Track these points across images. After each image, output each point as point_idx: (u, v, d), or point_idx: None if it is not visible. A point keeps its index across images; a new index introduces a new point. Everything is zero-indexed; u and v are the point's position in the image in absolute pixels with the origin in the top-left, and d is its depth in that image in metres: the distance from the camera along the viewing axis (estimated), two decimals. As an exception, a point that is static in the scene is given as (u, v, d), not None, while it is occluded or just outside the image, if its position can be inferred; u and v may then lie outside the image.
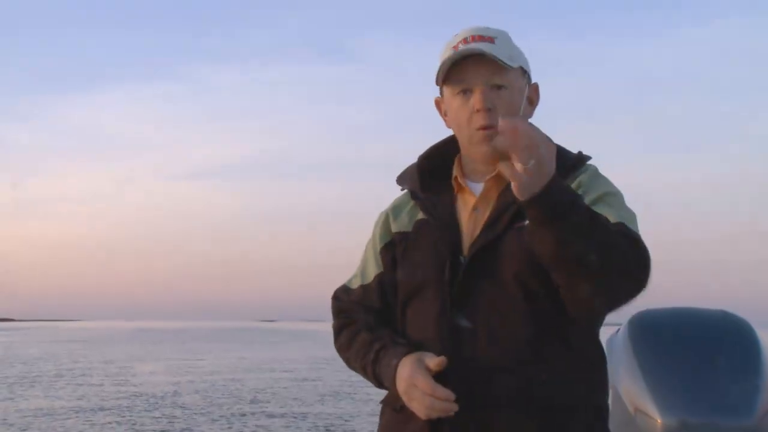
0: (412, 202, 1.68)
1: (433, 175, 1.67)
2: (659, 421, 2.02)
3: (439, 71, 1.57)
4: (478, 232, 1.56)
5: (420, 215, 1.65)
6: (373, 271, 1.70)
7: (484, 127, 1.53)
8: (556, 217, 1.29)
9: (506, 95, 1.54)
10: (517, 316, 1.50)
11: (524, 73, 1.60)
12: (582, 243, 1.31)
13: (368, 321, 1.67)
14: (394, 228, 1.68)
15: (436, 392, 1.43)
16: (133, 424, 12.31)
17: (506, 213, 1.53)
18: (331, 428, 11.63)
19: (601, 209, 1.44)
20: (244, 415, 13.12)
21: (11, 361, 26.71)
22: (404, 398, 1.49)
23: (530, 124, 1.30)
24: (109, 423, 12.46)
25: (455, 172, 1.64)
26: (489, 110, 1.52)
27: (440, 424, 1.48)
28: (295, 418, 12.64)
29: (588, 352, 1.56)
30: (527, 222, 1.41)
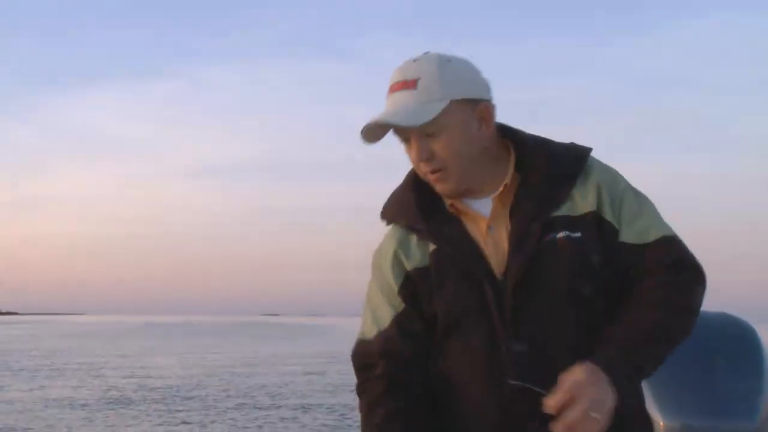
0: (415, 237, 1.56)
1: (424, 202, 1.57)
2: (662, 424, 2.01)
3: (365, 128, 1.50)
4: (503, 251, 1.48)
5: (432, 248, 1.53)
6: (387, 315, 1.56)
7: (432, 172, 1.50)
8: (636, 383, 1.45)
9: (442, 139, 1.48)
10: (569, 329, 1.45)
11: (466, 101, 1.49)
12: (660, 362, 1.45)
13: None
14: (409, 266, 1.55)
15: None
16: (161, 416, 12.54)
17: (532, 228, 1.47)
18: (346, 418, 11.71)
19: (631, 225, 1.47)
20: (264, 407, 13.41)
21: (28, 354, 26.89)
22: None
23: (574, 391, 1.30)
24: (138, 415, 12.69)
25: (447, 201, 1.55)
26: (428, 160, 1.49)
27: None
28: (309, 409, 12.77)
29: None
30: (559, 235, 1.45)
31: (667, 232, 1.47)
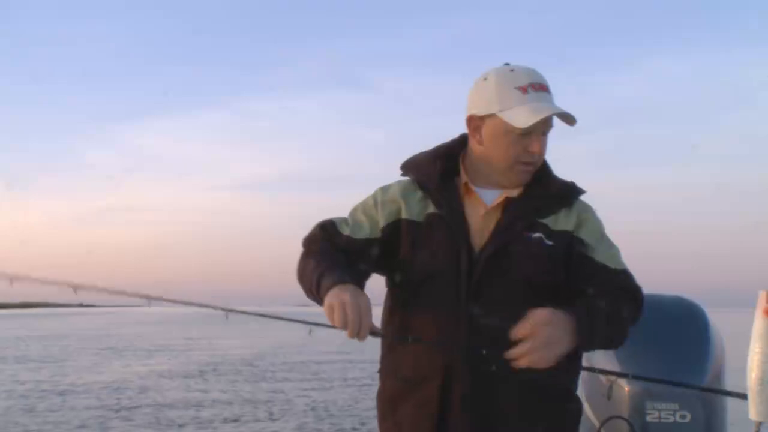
0: (420, 193, 1.57)
1: (444, 172, 1.58)
2: (627, 389, 2.05)
3: (519, 116, 1.47)
4: (488, 234, 1.50)
5: (431, 209, 1.54)
6: (364, 233, 1.56)
7: (529, 164, 1.53)
8: (585, 346, 1.47)
9: (545, 140, 1.53)
10: (520, 311, 1.43)
11: None
12: (607, 341, 1.51)
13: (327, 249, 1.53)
14: (404, 214, 1.55)
15: (363, 323, 1.34)
16: (246, 382, 12.93)
17: (517, 223, 1.49)
18: (368, 390, 11.78)
19: (605, 252, 1.52)
20: (313, 378, 13.62)
21: (118, 338, 27.19)
22: (328, 303, 1.37)
23: (530, 321, 1.36)
24: (224, 382, 13.02)
25: (464, 177, 1.58)
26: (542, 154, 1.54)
27: (450, 391, 1.45)
28: (342, 379, 12.95)
29: None
30: (535, 235, 1.48)
31: (626, 267, 1.53)
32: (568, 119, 1.48)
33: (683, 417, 1.99)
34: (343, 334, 1.36)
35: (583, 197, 1.59)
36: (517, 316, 1.43)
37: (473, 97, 1.55)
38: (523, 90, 1.48)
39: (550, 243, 1.50)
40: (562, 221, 1.52)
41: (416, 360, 1.50)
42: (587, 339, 1.40)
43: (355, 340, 1.36)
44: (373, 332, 1.39)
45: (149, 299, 1.84)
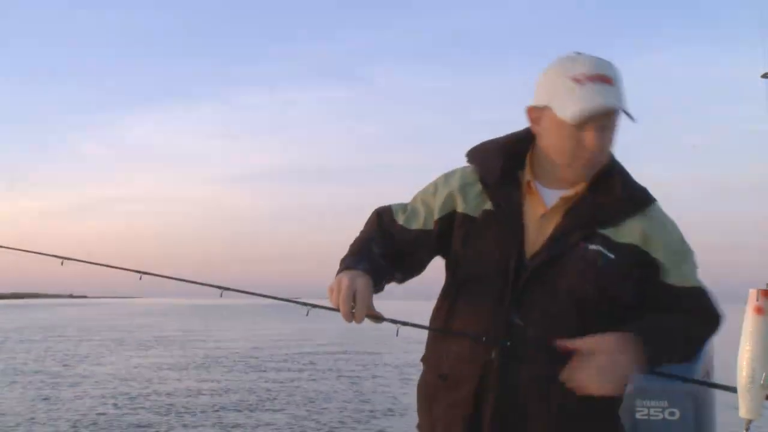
0: (480, 186, 1.49)
1: (506, 167, 1.49)
2: None
3: (567, 109, 1.37)
4: (543, 240, 1.41)
5: (488, 205, 1.47)
6: (418, 224, 1.51)
7: (588, 159, 1.41)
8: (652, 364, 1.37)
9: (609, 135, 1.40)
10: (562, 325, 1.37)
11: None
12: (673, 357, 1.40)
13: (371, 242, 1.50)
14: (460, 207, 1.48)
15: (363, 304, 1.32)
16: (245, 373, 13.10)
17: (575, 232, 1.40)
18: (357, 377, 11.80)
19: (677, 269, 1.42)
20: (315, 369, 13.74)
21: (115, 330, 27.10)
22: (331, 286, 1.36)
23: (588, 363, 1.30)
24: (225, 372, 13.16)
25: (528, 176, 1.47)
26: (602, 150, 1.41)
27: (484, 396, 1.40)
28: (333, 370, 13.00)
29: None
30: (592, 246, 1.38)
31: (700, 284, 1.43)
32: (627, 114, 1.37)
33: (672, 414, 2.00)
34: (340, 317, 1.34)
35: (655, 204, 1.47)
36: (558, 330, 1.37)
37: (536, 87, 1.45)
38: (578, 80, 1.37)
39: (612, 256, 1.39)
40: (626, 232, 1.41)
41: (456, 359, 1.45)
42: (650, 364, 1.35)
43: (353, 325, 1.34)
44: (372, 316, 1.36)
45: (141, 273, 1.78)
